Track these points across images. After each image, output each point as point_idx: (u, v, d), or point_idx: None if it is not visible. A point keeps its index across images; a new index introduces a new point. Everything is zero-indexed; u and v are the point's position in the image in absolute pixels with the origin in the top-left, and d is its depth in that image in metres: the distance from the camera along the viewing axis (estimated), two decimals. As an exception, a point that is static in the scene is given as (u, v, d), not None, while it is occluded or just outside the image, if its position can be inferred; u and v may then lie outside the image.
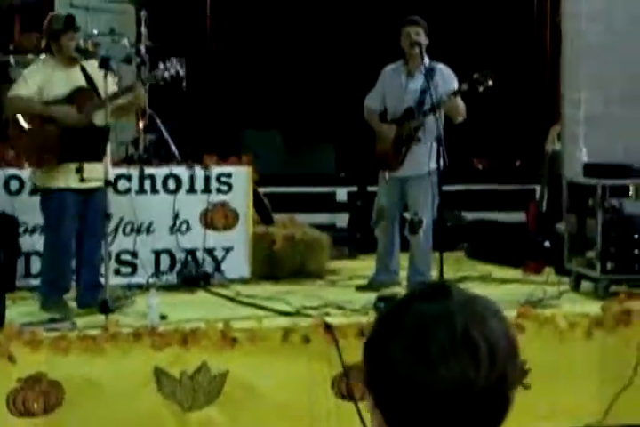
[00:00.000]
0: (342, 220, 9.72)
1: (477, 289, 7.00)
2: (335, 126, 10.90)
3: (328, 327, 5.63)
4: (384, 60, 7.30)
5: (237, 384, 5.54)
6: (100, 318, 5.81)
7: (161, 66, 6.32)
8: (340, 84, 10.75)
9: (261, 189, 8.38)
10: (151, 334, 5.48)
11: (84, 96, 6.24)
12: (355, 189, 9.85)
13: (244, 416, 5.54)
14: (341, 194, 10.31)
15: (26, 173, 6.80)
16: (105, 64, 6.01)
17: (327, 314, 6.08)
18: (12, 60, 7.68)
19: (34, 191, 6.72)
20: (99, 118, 6.21)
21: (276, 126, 11.15)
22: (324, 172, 10.82)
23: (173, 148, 8.08)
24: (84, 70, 6.31)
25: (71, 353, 5.34)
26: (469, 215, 9.58)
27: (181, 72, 6.30)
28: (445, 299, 1.48)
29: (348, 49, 10.91)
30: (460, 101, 6.80)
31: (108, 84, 5.96)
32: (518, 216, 9.16)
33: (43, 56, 6.49)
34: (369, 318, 5.79)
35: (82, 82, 6.28)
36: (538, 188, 9.00)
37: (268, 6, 11.16)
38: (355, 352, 5.42)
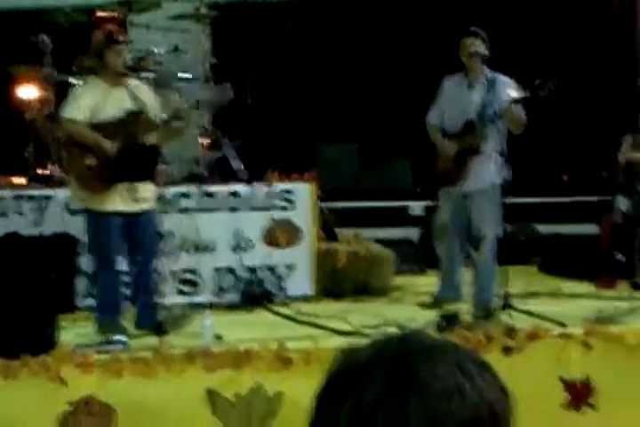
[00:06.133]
0: (417, 234, 9.57)
1: (546, 305, 6.80)
2: (411, 140, 10.73)
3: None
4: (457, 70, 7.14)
5: (293, 406, 5.40)
6: (155, 339, 5.75)
7: (215, 91, 6.28)
8: (417, 99, 10.59)
9: (336, 204, 8.28)
10: (204, 356, 5.38)
11: (137, 120, 6.21)
12: (430, 203, 9.68)
13: (299, 439, 5.40)
14: (417, 208, 10.15)
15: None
16: (160, 83, 5.99)
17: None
18: (75, 80, 7.69)
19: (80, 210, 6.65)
20: (149, 139, 6.18)
21: (353, 141, 11.04)
22: (401, 186, 10.68)
23: (236, 165, 8.01)
24: (130, 92, 6.28)
25: (123, 376, 5.26)
26: (547, 228, 9.34)
27: (231, 97, 6.28)
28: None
29: (427, 63, 10.75)
30: (520, 111, 6.60)
31: (159, 108, 5.95)
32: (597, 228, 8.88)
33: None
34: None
35: (129, 103, 6.24)
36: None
37: (341, 20, 11.08)
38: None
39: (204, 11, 8.94)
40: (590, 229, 9.12)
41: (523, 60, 9.75)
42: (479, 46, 6.75)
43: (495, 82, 6.72)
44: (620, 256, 7.61)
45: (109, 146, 6.07)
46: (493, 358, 5.36)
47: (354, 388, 1.32)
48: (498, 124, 6.53)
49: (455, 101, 6.89)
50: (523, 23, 10.78)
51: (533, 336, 5.68)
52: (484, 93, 6.70)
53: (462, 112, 6.83)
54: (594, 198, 9.85)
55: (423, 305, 7.00)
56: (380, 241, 8.46)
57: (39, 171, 7.91)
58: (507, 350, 5.57)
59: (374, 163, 10.98)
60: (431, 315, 6.38)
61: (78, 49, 7.72)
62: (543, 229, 9.36)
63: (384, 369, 1.32)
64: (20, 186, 7.34)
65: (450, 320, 6.10)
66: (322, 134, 10.98)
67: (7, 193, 7.21)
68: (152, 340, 5.83)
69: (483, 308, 6.51)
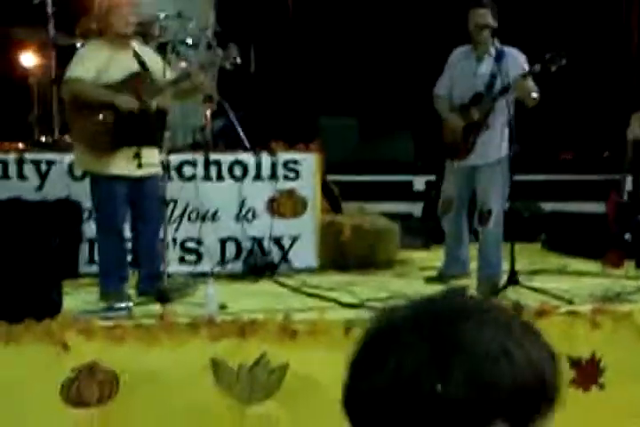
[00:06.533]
0: (419, 209, 9.50)
1: (553, 283, 6.74)
2: (414, 113, 10.64)
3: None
4: (462, 43, 7.01)
5: (297, 378, 5.35)
6: (158, 307, 5.68)
7: (220, 53, 6.17)
8: (419, 70, 10.50)
9: (337, 177, 8.19)
10: (208, 325, 5.32)
11: (141, 81, 6.10)
12: (433, 178, 9.62)
13: (303, 411, 5.34)
14: (419, 183, 10.09)
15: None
16: (165, 48, 5.89)
17: (392, 306, 5.85)
18: (79, 43, 7.58)
19: (84, 175, 6.62)
20: (157, 102, 6.07)
21: (353, 113, 10.95)
22: (402, 160, 10.61)
23: (242, 134, 7.92)
24: (136, 55, 6.17)
25: (126, 343, 5.20)
26: (551, 206, 9.27)
27: (238, 60, 6.15)
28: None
29: (428, 33, 10.65)
30: (531, 84, 6.48)
31: (165, 70, 5.86)
32: (601, 207, 8.82)
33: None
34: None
35: (134, 66, 6.14)
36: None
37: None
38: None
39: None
40: (595, 207, 9.06)
41: (531, 32, 9.66)
42: (487, 17, 6.62)
43: (504, 54, 6.58)
44: (627, 236, 7.53)
45: (127, 99, 5.96)
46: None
47: (394, 351, 1.25)
48: (507, 97, 6.43)
49: (463, 74, 6.77)
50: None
51: (541, 313, 5.62)
52: (492, 66, 6.57)
53: (471, 85, 6.71)
54: (599, 177, 9.80)
55: (429, 279, 6.94)
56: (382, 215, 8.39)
57: (43, 137, 7.81)
58: (514, 327, 5.50)
59: (375, 135, 10.90)
60: (437, 289, 6.29)
61: (80, 11, 7.63)
62: (547, 206, 9.28)
63: (426, 330, 1.25)
64: (23, 150, 7.21)
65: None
66: (322, 106, 10.89)
67: (10, 157, 7.10)
68: (155, 307, 5.76)
69: (489, 284, 6.44)
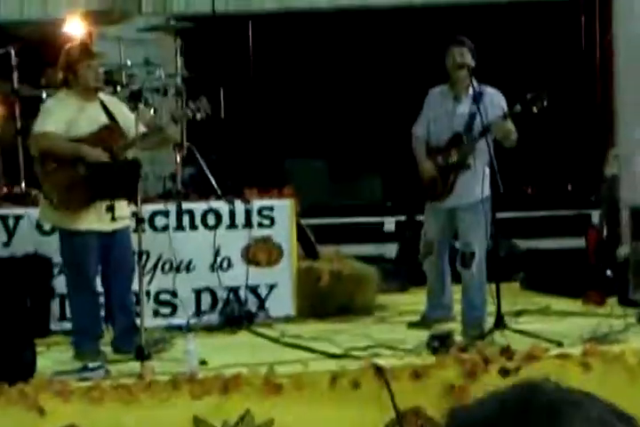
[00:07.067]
0: (390, 250, 9.35)
1: (538, 324, 6.61)
2: (382, 154, 10.56)
3: (378, 370, 5.24)
4: (431, 86, 6.91)
5: (284, 433, 5.16)
6: (136, 364, 5.47)
7: (192, 105, 6.04)
8: (386, 111, 10.43)
9: (306, 221, 8.06)
10: (190, 382, 5.12)
11: (112, 135, 5.97)
12: (403, 218, 9.51)
13: (291, 468, 5.16)
14: (389, 224, 9.96)
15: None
16: (135, 97, 5.75)
17: (377, 355, 5.70)
18: (43, 94, 7.42)
19: (53, 229, 6.46)
20: (129, 153, 5.94)
21: (321, 156, 10.85)
22: (371, 201, 10.49)
23: (213, 181, 7.76)
24: (103, 105, 6.04)
25: (105, 404, 4.99)
26: (522, 243, 9.16)
27: (209, 112, 6.04)
28: None
29: (395, 76, 10.59)
30: (510, 125, 6.37)
31: (136, 121, 5.73)
32: (572, 243, 8.74)
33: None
34: (423, 359, 5.42)
35: (103, 118, 6.01)
36: (593, 213, 8.61)
37: (311, 33, 10.90)
38: (408, 396, 5.06)
39: (174, 23, 8.70)
40: (564, 242, 8.97)
41: (508, 74, 9.59)
42: (465, 56, 6.52)
43: (483, 94, 6.48)
44: (609, 272, 7.43)
45: (98, 153, 5.82)
46: (491, 380, 5.16)
47: None
48: (486, 137, 6.31)
49: (441, 114, 6.65)
50: (495, 37, 10.62)
51: (531, 357, 5.48)
52: (471, 106, 6.45)
53: (448, 125, 6.60)
54: (565, 212, 9.72)
55: (412, 324, 6.78)
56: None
57: (9, 189, 7.62)
58: (504, 373, 5.35)
59: (344, 178, 10.80)
60: (421, 335, 6.15)
61: (44, 62, 7.48)
62: (523, 244, 9.17)
63: None
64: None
65: (442, 341, 5.87)
66: (290, 149, 10.79)
67: (-25, 212, 6.90)
68: (133, 365, 5.55)
69: (475, 327, 6.29)
